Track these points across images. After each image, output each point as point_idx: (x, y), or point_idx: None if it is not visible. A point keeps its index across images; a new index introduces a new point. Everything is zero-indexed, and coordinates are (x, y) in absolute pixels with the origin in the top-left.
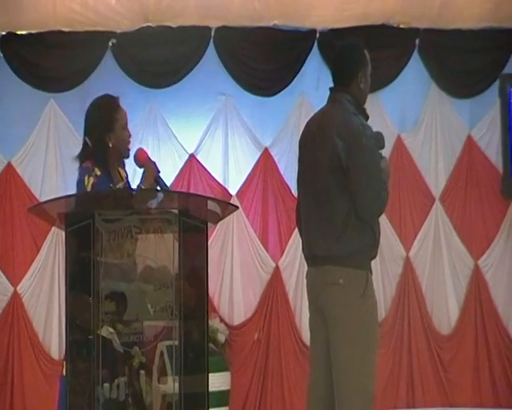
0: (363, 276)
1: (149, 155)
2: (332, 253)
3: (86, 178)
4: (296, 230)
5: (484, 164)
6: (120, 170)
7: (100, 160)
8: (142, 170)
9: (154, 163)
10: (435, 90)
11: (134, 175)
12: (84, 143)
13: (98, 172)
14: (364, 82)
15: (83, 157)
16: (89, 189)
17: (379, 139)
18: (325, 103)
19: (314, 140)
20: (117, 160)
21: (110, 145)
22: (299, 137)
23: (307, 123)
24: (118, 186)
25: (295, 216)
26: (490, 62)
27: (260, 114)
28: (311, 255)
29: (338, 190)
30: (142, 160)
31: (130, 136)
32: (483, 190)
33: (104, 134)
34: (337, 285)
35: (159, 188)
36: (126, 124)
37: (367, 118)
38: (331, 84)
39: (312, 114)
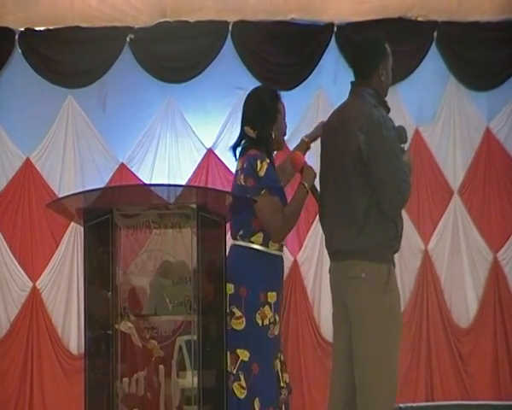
0: (384, 269)
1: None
2: (353, 247)
3: (259, 162)
4: (314, 224)
5: (502, 156)
6: None
7: (265, 150)
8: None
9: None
10: (453, 82)
11: None
12: (243, 133)
13: (268, 160)
14: (385, 75)
15: (245, 147)
16: (262, 173)
17: (401, 133)
18: (347, 97)
19: (335, 134)
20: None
21: (273, 136)
22: None
23: (329, 118)
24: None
25: (318, 211)
26: (508, 54)
27: None
28: (333, 250)
29: (359, 184)
30: (301, 164)
31: (286, 127)
32: (501, 182)
33: (269, 125)
34: (359, 279)
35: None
36: (285, 116)
37: (388, 110)
38: (349, 78)
39: (332, 108)
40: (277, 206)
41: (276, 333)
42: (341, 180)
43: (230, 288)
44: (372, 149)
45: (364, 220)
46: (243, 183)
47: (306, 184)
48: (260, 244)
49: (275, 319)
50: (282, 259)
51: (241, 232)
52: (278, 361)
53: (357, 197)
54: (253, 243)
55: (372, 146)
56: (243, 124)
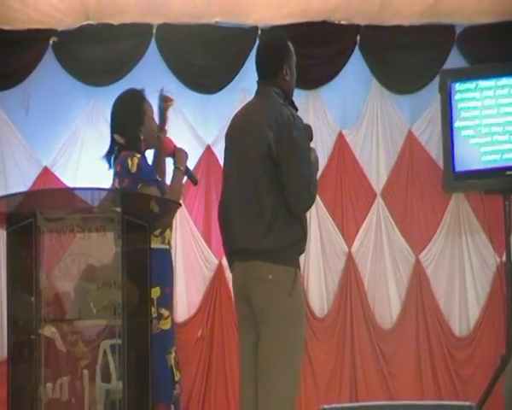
0: (291, 273)
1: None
2: (260, 246)
3: (129, 160)
4: None
5: (425, 159)
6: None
7: (136, 151)
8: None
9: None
10: (376, 86)
11: None
12: (113, 141)
13: (138, 155)
14: (290, 74)
15: (115, 155)
16: (134, 169)
17: (309, 132)
18: (253, 97)
19: (242, 131)
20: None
21: (142, 138)
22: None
23: (234, 116)
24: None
25: (218, 211)
26: (430, 58)
27: (203, 112)
28: (236, 249)
29: (267, 182)
30: (171, 148)
31: (158, 125)
32: (424, 185)
33: (136, 129)
34: (266, 281)
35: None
36: (153, 115)
37: (296, 110)
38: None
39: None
40: (156, 194)
41: (165, 328)
42: (248, 177)
43: None
44: (282, 148)
45: (272, 219)
46: (118, 186)
47: (181, 167)
48: None
49: (160, 313)
50: (169, 252)
51: None
52: (172, 357)
53: (265, 196)
54: None
55: (281, 144)
56: (112, 131)
